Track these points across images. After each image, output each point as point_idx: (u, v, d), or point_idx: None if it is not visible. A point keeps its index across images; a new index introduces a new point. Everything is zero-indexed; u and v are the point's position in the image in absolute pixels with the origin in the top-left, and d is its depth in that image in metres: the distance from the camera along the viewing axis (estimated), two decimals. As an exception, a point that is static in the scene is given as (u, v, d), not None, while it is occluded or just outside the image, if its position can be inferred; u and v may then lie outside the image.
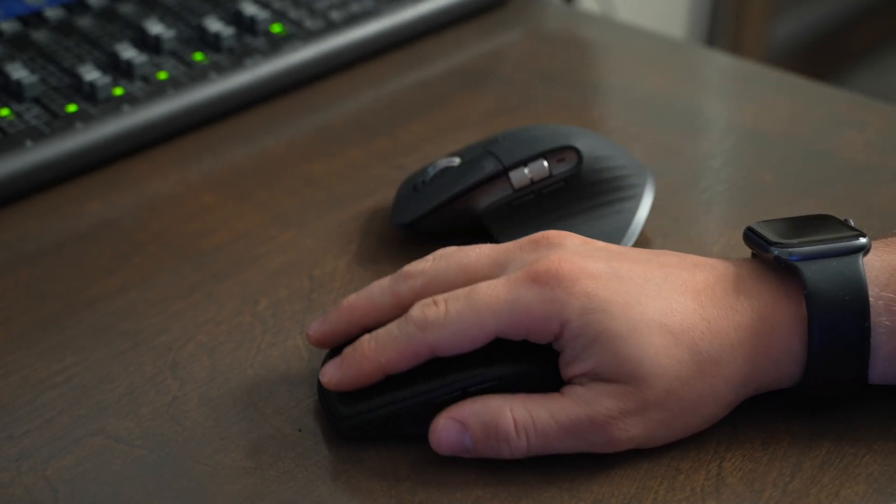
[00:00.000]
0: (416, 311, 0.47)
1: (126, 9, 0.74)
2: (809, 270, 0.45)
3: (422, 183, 0.58)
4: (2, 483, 0.46)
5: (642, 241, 0.57)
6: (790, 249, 0.46)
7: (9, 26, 0.71)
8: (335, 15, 0.75)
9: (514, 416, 0.45)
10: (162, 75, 0.68)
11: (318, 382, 0.49)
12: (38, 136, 0.63)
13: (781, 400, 0.49)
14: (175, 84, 0.68)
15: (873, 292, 0.45)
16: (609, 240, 0.52)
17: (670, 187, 0.63)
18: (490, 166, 0.57)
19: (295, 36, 0.73)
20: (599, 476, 0.46)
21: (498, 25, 0.80)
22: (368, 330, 0.48)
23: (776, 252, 0.46)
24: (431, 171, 0.58)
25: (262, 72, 0.70)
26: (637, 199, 0.58)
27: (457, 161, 0.58)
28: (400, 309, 0.48)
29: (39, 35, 0.71)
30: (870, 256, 0.46)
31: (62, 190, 0.63)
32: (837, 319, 0.45)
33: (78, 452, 0.47)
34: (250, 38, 0.72)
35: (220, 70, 0.69)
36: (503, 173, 0.57)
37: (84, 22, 0.73)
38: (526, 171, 0.56)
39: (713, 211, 0.60)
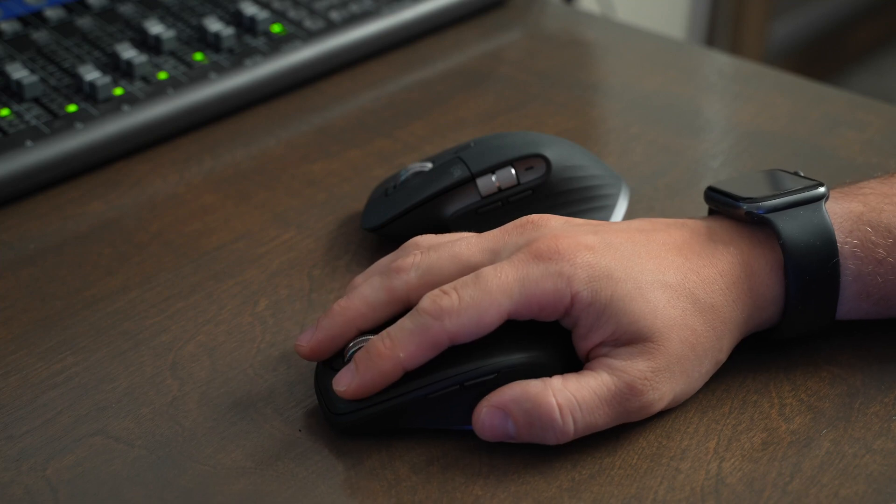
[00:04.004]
0: (426, 302, 0.46)
1: (126, 9, 0.74)
2: (781, 221, 0.48)
3: (393, 187, 0.58)
4: (2, 483, 0.46)
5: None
6: (759, 203, 0.49)
7: (9, 26, 0.71)
8: (335, 15, 0.75)
9: (558, 401, 0.46)
10: (162, 75, 0.68)
11: (315, 379, 0.49)
12: (38, 136, 0.63)
13: (780, 397, 0.49)
14: (175, 84, 0.68)
15: (839, 238, 0.49)
16: None
17: (669, 187, 0.63)
18: (458, 173, 0.57)
19: (295, 36, 0.73)
20: (599, 476, 0.46)
21: (498, 25, 0.80)
22: (363, 333, 0.48)
23: (746, 207, 0.49)
24: (403, 176, 0.58)
25: (262, 72, 0.70)
26: (609, 208, 0.58)
27: (429, 166, 0.58)
28: (396, 305, 0.48)
29: (40, 35, 0.71)
30: (830, 204, 0.50)
31: (63, 190, 0.63)
32: (810, 264, 0.48)
33: (78, 452, 0.47)
34: (250, 39, 0.72)
35: (221, 70, 0.69)
36: (470, 180, 0.56)
37: (84, 22, 0.73)
38: (493, 178, 0.56)
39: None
